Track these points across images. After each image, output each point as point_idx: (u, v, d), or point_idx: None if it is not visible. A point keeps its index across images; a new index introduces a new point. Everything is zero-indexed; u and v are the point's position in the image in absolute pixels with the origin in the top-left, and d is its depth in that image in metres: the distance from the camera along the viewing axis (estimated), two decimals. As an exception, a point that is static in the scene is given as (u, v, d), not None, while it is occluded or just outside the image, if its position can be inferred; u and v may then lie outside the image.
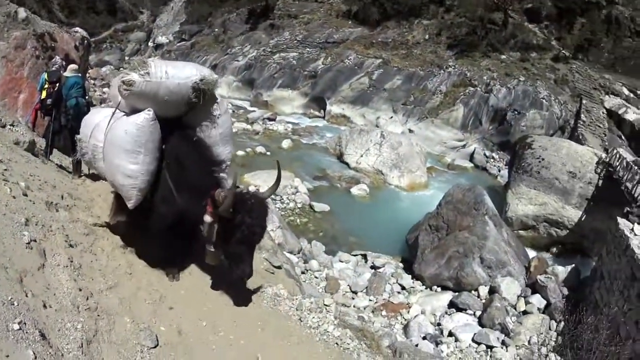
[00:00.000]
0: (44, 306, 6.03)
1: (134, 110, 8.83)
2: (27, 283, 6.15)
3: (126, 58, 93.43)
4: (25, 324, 5.19)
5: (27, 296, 5.85)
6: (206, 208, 8.38)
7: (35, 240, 7.25)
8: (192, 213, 8.75)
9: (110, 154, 8.95)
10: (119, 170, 8.74)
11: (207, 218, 8.35)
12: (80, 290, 7.11)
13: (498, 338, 24.03)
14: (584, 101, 55.93)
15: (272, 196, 30.30)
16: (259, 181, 34.65)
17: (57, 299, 6.50)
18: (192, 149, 8.86)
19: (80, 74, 14.98)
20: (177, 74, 8.71)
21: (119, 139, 8.68)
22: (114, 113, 9.29)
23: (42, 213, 8.54)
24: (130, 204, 8.98)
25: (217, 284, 9.44)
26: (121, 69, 77.46)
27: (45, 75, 14.63)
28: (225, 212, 8.04)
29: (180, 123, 9.21)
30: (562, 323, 23.76)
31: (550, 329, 24.85)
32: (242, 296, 9.32)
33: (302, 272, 26.81)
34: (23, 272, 6.26)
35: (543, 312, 26.22)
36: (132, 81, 8.35)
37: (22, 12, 21.26)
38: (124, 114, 9.12)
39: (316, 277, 28.09)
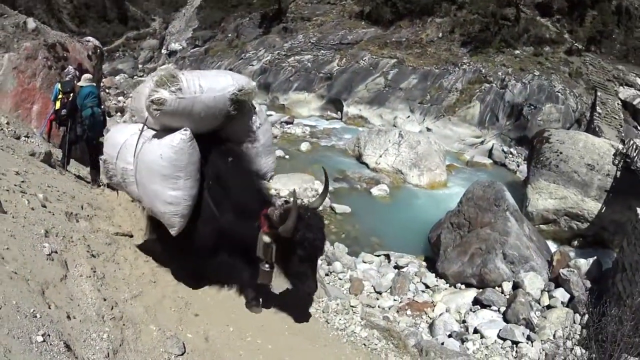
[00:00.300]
0: (68, 317, 5.97)
1: (167, 129, 8.10)
2: (50, 295, 6.09)
3: (140, 66, 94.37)
4: (49, 335, 5.13)
5: (50, 308, 5.79)
6: (261, 228, 7.76)
7: (56, 252, 7.19)
8: (236, 233, 8.15)
9: (145, 179, 8.24)
10: (157, 198, 8.10)
11: (266, 239, 7.68)
12: (104, 300, 7.05)
13: (523, 333, 23.81)
14: (598, 93, 56.03)
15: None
16: (279, 184, 34.73)
17: (81, 309, 6.45)
18: (233, 166, 8.31)
19: (94, 84, 15.06)
20: (212, 87, 8.03)
21: (155, 164, 7.98)
22: (141, 131, 8.51)
23: (62, 224, 8.48)
24: (173, 231, 8.29)
25: (243, 290, 9.15)
26: (136, 77, 77.95)
27: (58, 86, 14.67)
28: (288, 232, 7.40)
29: (218, 137, 8.55)
30: (586, 316, 23.62)
31: (574, 322, 24.69)
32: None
33: (326, 274, 26.75)
34: (45, 284, 6.21)
35: (567, 306, 26.03)
36: (163, 100, 7.62)
37: (31, 23, 21.19)
38: (154, 132, 8.37)
39: (340, 279, 27.88)
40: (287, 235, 7.42)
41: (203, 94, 7.84)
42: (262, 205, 7.97)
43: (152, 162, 7.97)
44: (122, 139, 8.98)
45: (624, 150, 37.83)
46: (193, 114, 7.86)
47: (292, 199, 7.49)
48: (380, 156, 46.70)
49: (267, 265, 7.91)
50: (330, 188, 38.73)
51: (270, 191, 8.24)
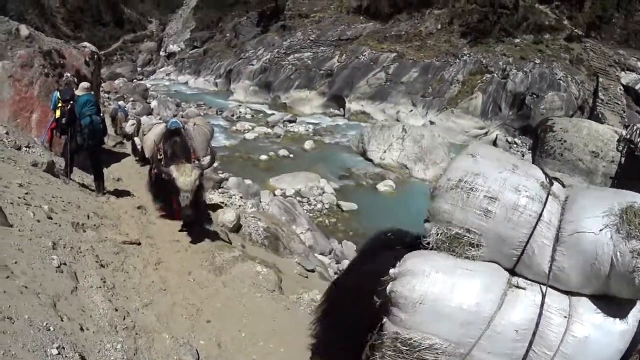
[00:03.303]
0: (81, 329, 5.97)
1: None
2: (61, 307, 6.07)
3: (139, 69, 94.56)
4: (63, 348, 5.13)
5: (62, 320, 5.77)
6: None
7: (65, 264, 7.17)
8: None
9: None
10: None
11: None
12: (116, 310, 7.04)
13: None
14: (600, 79, 56.06)
15: (299, 198, 30.53)
16: (283, 184, 35.15)
17: (94, 320, 6.45)
18: None
19: (92, 92, 14.84)
20: None
21: None
22: (543, 299, 4.90)
23: (69, 235, 8.44)
24: None
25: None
26: (135, 80, 77.66)
27: (57, 94, 14.50)
28: None
29: None
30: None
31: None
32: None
33: (335, 273, 26.53)
34: (56, 296, 6.18)
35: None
36: None
37: (24, 30, 20.84)
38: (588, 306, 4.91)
39: (350, 277, 27.36)
40: None
41: None
42: None
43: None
44: (445, 307, 5.01)
45: (628, 136, 37.62)
46: None
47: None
48: (385, 151, 46.54)
49: None
50: (336, 186, 38.93)
51: None
